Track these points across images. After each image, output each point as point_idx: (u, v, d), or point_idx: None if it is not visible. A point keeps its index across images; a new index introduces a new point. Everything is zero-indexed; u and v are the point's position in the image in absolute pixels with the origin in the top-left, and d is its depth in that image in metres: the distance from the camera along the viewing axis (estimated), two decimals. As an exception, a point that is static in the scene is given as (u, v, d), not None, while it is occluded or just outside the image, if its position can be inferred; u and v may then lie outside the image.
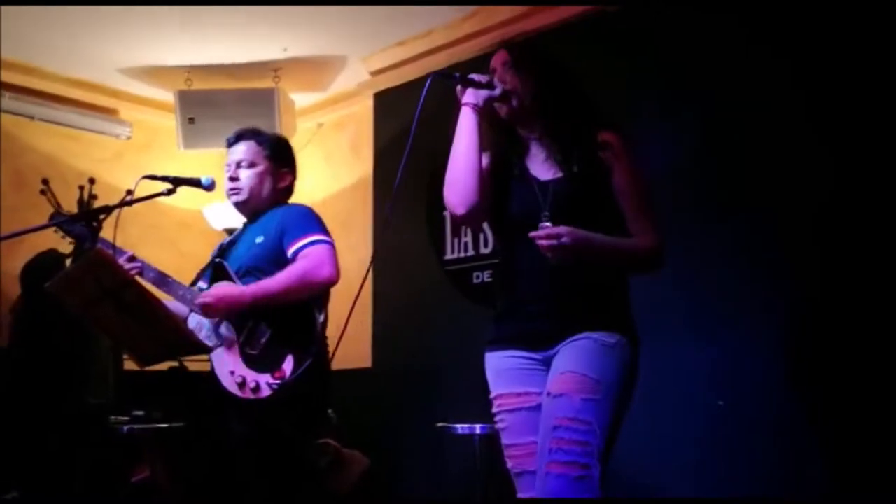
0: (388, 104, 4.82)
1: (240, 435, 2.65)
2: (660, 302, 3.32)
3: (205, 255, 5.19)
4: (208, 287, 2.75)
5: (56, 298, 2.40)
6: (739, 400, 3.15)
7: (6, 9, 4.13)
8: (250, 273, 2.71)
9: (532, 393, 2.00)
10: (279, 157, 2.90)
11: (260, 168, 2.85)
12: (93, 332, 3.74)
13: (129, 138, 5.26)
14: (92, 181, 4.05)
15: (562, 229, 1.88)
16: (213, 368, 2.70)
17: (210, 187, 2.71)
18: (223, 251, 2.88)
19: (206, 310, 2.64)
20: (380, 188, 4.84)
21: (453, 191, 2.07)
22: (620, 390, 1.93)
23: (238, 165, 2.85)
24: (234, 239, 2.92)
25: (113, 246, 2.73)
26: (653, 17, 3.65)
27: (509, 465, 2.03)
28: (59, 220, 2.78)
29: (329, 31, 4.52)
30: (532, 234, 1.91)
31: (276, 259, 2.68)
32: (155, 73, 4.98)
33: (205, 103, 4.89)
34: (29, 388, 3.82)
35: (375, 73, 4.90)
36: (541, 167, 2.11)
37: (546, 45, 2.27)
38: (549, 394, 1.92)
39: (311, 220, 2.75)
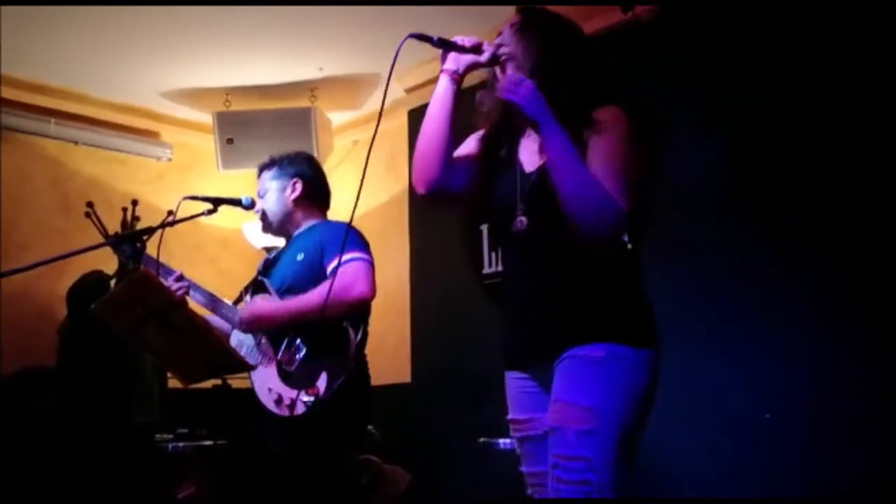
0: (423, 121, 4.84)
1: (278, 452, 2.68)
2: (690, 314, 3.31)
3: (244, 272, 5.27)
4: (250, 298, 2.82)
5: (101, 319, 2.44)
6: (773, 413, 3.10)
7: (51, 37, 4.24)
8: (291, 290, 2.74)
9: (534, 419, 1.81)
10: (284, 173, 2.95)
11: (269, 191, 2.94)
12: (138, 351, 3.80)
13: (170, 160, 5.35)
14: (135, 203, 4.11)
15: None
16: (252, 385, 2.74)
17: (249, 206, 2.77)
18: (267, 268, 2.93)
19: (243, 324, 2.69)
20: (415, 204, 4.86)
21: (416, 167, 1.86)
22: (622, 410, 1.66)
23: (260, 197, 2.97)
24: (277, 256, 2.97)
25: (159, 265, 2.80)
26: (682, 30, 3.64)
27: (527, 492, 1.88)
28: (105, 242, 2.84)
29: (363, 50, 4.56)
30: None
31: (316, 276, 2.71)
32: (194, 96, 5.07)
33: (243, 124, 4.96)
34: (76, 408, 3.88)
35: (410, 90, 4.93)
36: (530, 153, 1.85)
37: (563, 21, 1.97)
38: (548, 426, 1.72)
39: (349, 238, 2.77)
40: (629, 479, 1.67)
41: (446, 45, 1.85)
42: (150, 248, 2.79)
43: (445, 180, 1.85)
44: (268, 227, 2.96)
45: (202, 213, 2.64)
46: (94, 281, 4.06)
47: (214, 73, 4.80)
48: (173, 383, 3.70)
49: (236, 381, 3.81)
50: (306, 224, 2.91)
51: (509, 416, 1.89)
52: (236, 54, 4.55)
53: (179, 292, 2.73)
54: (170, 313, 2.37)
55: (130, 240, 2.77)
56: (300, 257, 2.79)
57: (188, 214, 2.64)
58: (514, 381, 1.87)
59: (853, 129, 3.08)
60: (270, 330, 2.73)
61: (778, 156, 3.26)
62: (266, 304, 2.70)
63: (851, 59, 3.11)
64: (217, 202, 2.65)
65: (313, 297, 2.61)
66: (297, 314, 2.62)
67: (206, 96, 5.05)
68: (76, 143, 4.96)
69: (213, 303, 2.81)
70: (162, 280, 2.77)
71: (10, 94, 4.67)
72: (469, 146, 1.96)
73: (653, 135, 1.84)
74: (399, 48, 1.80)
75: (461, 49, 1.84)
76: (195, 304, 2.81)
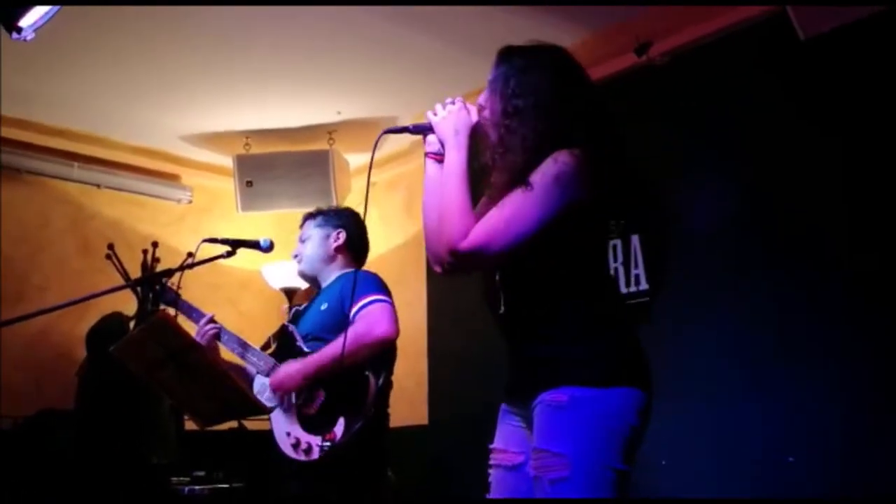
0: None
1: (293, 496, 2.68)
2: (710, 359, 3.29)
3: (263, 314, 5.32)
4: (276, 346, 2.89)
5: (120, 361, 2.46)
6: (799, 455, 3.06)
7: (74, 82, 4.33)
8: (316, 339, 2.80)
9: (510, 452, 1.83)
10: (328, 222, 3.04)
11: (312, 237, 3.02)
12: (156, 393, 3.81)
13: (190, 202, 5.41)
14: (155, 245, 4.15)
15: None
16: (272, 429, 2.76)
17: (268, 249, 2.78)
18: (296, 317, 3.00)
19: (280, 392, 2.74)
20: (433, 245, 4.86)
21: (427, 248, 1.89)
22: (594, 453, 1.60)
23: (301, 241, 3.04)
24: (306, 306, 3.05)
25: (191, 308, 2.89)
26: (697, 74, 3.68)
27: None
28: (125, 285, 2.86)
29: (381, 93, 4.62)
30: None
31: (340, 324, 2.72)
32: (214, 139, 5.15)
33: (262, 167, 5.02)
34: (94, 450, 3.88)
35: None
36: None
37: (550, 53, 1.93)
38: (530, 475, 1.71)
39: (368, 283, 2.81)
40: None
41: (421, 131, 1.89)
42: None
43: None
44: (303, 270, 3.02)
45: (221, 256, 2.67)
46: (113, 323, 4.08)
47: (234, 117, 4.87)
48: (190, 426, 3.70)
49: (253, 424, 3.80)
50: (336, 275, 2.97)
51: (493, 445, 1.90)
52: (256, 98, 4.62)
53: (210, 334, 2.80)
54: (188, 356, 2.38)
55: (150, 282, 2.80)
56: (324, 307, 2.86)
57: (207, 256, 2.67)
58: (506, 415, 1.89)
59: (875, 172, 3.08)
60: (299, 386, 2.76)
61: (797, 200, 3.27)
62: (291, 367, 2.74)
63: (873, 99, 3.12)
64: (236, 244, 2.67)
65: (337, 345, 2.60)
66: (323, 368, 2.65)
67: (225, 139, 5.12)
68: (98, 186, 5.03)
69: (243, 347, 2.86)
70: (191, 322, 2.85)
71: (34, 138, 4.77)
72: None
73: (611, 180, 1.76)
74: (376, 144, 1.96)
75: (424, 130, 1.88)
76: (224, 347, 2.87)
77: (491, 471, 1.88)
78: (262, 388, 2.82)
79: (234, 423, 3.92)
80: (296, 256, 3.04)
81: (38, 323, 4.37)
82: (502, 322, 1.85)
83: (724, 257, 3.44)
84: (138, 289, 3.98)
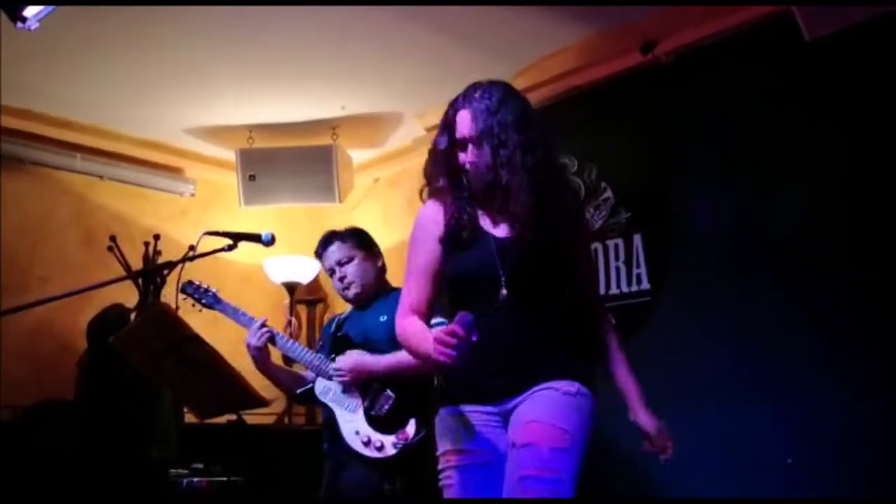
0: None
1: (356, 485, 2.84)
2: (711, 365, 3.29)
3: (265, 308, 5.31)
4: (328, 356, 2.99)
5: (120, 353, 2.46)
6: (806, 460, 3.06)
7: (78, 75, 4.33)
8: (368, 346, 2.93)
9: (478, 451, 1.99)
10: (367, 245, 3.14)
11: (358, 259, 3.08)
12: (156, 386, 3.81)
13: (192, 196, 5.40)
14: (157, 238, 4.16)
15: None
16: (334, 427, 2.90)
17: (269, 242, 2.78)
18: (340, 326, 3.09)
19: (343, 374, 2.87)
20: (435, 241, 4.86)
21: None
22: (584, 438, 1.93)
23: (340, 265, 3.07)
24: (349, 316, 3.13)
25: (241, 313, 2.99)
26: (703, 74, 3.67)
27: None
28: (127, 276, 2.87)
29: (385, 89, 4.62)
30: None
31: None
32: (218, 133, 5.14)
33: (265, 161, 5.01)
34: (94, 441, 3.88)
35: (431, 129, 4.97)
36: (494, 221, 2.07)
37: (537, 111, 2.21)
38: (514, 444, 1.91)
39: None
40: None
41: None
42: (171, 283, 2.82)
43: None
44: (359, 294, 3.07)
45: (222, 249, 2.66)
46: (114, 315, 4.08)
47: (238, 111, 4.87)
48: (189, 418, 3.71)
49: (252, 418, 3.81)
50: (385, 291, 3.09)
51: (447, 448, 2.02)
52: (260, 92, 4.62)
53: (264, 338, 2.89)
54: (187, 348, 2.39)
55: (151, 274, 2.81)
56: (383, 318, 2.95)
57: (209, 249, 2.67)
58: (477, 415, 2.02)
59: (881, 174, 3.07)
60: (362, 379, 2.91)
61: (801, 202, 3.26)
62: (365, 357, 2.89)
63: (879, 101, 3.12)
64: (237, 238, 2.67)
65: (406, 357, 2.68)
66: (396, 368, 2.80)
67: (229, 133, 5.12)
68: (101, 177, 5.03)
69: (295, 351, 2.98)
70: (240, 325, 2.96)
71: (38, 129, 4.76)
72: (430, 279, 2.17)
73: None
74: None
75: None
76: (277, 350, 2.99)
77: (448, 473, 2.01)
78: (325, 390, 2.95)
79: (231, 416, 3.94)
80: (343, 279, 3.06)
81: (39, 314, 4.37)
82: (501, 335, 1.98)
83: (726, 259, 3.44)
84: (140, 281, 3.99)
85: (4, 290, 4.37)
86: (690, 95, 3.69)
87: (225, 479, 4.06)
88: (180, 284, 2.96)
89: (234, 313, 2.98)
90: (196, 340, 2.45)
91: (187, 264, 2.62)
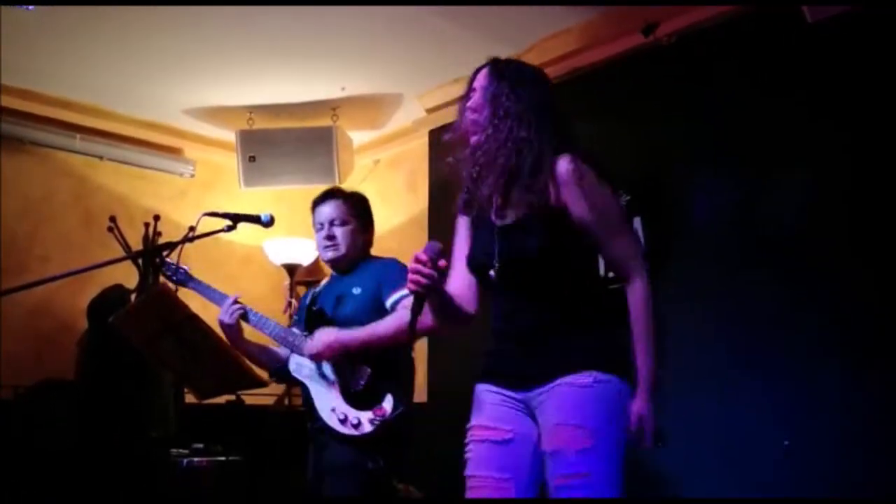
0: (444, 141, 4.87)
1: (337, 465, 2.75)
2: (709, 351, 3.29)
3: (265, 289, 5.33)
4: (303, 331, 2.90)
5: (120, 333, 2.47)
6: (803, 442, 3.06)
7: (78, 54, 4.32)
8: (348, 322, 2.83)
9: (501, 429, 1.97)
10: (364, 214, 3.06)
11: (352, 226, 2.99)
12: (156, 366, 3.83)
13: (192, 177, 5.40)
14: (157, 218, 4.16)
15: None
16: (311, 404, 2.82)
17: (269, 224, 2.78)
18: (315, 299, 3.00)
19: (316, 356, 2.78)
20: (435, 225, 4.87)
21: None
22: (612, 426, 1.86)
23: (331, 224, 2.99)
24: (323, 289, 3.04)
25: (214, 291, 2.90)
26: (706, 54, 3.65)
27: (467, 494, 1.99)
28: (126, 256, 2.87)
29: (385, 70, 4.60)
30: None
31: (374, 309, 2.81)
32: (218, 114, 5.13)
33: (265, 142, 5.01)
34: (94, 421, 3.90)
35: (431, 111, 4.96)
36: (498, 210, 2.02)
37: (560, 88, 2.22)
38: (545, 451, 1.89)
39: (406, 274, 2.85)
40: (622, 486, 1.85)
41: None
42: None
43: (469, 319, 2.13)
44: (340, 259, 2.98)
45: (222, 230, 2.66)
46: (114, 295, 4.09)
47: (238, 92, 4.85)
48: (190, 399, 3.72)
49: (250, 399, 3.82)
50: (364, 261, 3.02)
51: (474, 423, 2.01)
52: (260, 73, 4.60)
53: (236, 315, 2.82)
54: (186, 329, 2.39)
55: (151, 255, 2.80)
56: (357, 291, 2.89)
57: (208, 231, 2.67)
58: (496, 396, 2.01)
59: (883, 164, 3.06)
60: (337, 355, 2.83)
61: (802, 187, 3.24)
62: (339, 333, 2.78)
63: (881, 85, 3.10)
64: (237, 219, 2.67)
65: (380, 328, 2.73)
66: (369, 342, 2.73)
67: (229, 114, 5.10)
68: (101, 158, 5.03)
69: (272, 327, 2.89)
70: (212, 303, 2.88)
71: (37, 109, 4.75)
72: (461, 263, 2.13)
73: None
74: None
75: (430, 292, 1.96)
76: (250, 327, 2.90)
77: (470, 446, 2.01)
78: (298, 366, 2.88)
79: (231, 396, 3.97)
80: (331, 238, 2.98)
81: (39, 294, 4.39)
82: (510, 319, 2.01)
83: (727, 244, 3.42)
84: (139, 262, 3.99)
85: (4, 271, 4.38)
86: (692, 78, 3.68)
87: (224, 458, 4.09)
88: (129, 253, 2.89)
89: (205, 290, 2.91)
90: (195, 321, 2.46)
91: (187, 245, 2.62)
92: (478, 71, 2.10)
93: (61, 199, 4.92)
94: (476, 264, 2.06)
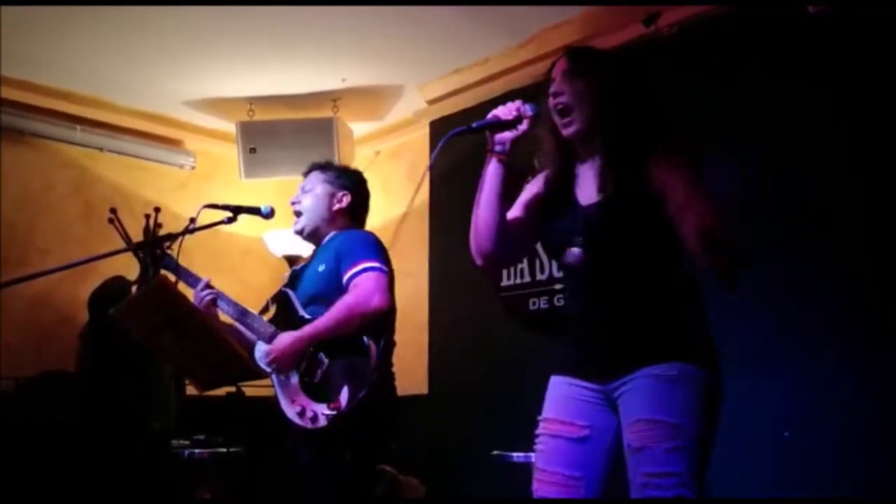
0: (444, 132, 4.83)
1: (301, 462, 2.67)
2: (727, 333, 3.26)
3: (265, 281, 5.33)
4: (275, 311, 2.83)
5: (120, 325, 2.46)
6: (808, 433, 3.06)
7: (78, 45, 4.30)
8: (314, 301, 2.74)
9: (577, 425, 1.89)
10: (336, 181, 2.93)
11: (317, 191, 2.90)
12: (157, 358, 3.83)
13: (193, 168, 5.40)
14: (157, 210, 4.14)
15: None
16: (276, 396, 2.73)
17: (269, 215, 2.77)
18: (293, 279, 2.92)
19: (276, 367, 2.68)
20: (436, 216, 4.86)
21: (472, 241, 1.99)
22: (702, 426, 1.77)
23: (303, 191, 2.93)
24: (303, 267, 2.95)
25: (187, 272, 2.82)
26: (707, 44, 3.63)
27: (533, 486, 1.93)
28: (127, 248, 2.86)
29: (386, 61, 4.59)
30: None
31: (337, 285, 2.69)
32: (218, 105, 5.12)
33: (265, 133, 5.00)
34: (95, 413, 3.91)
35: (432, 102, 4.94)
36: (587, 190, 1.96)
37: (614, 57, 2.13)
38: (629, 446, 1.80)
39: (365, 246, 2.75)
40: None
41: (486, 128, 1.95)
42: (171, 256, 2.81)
43: (501, 253, 2.00)
44: (303, 225, 2.89)
45: (222, 222, 2.66)
46: (115, 287, 4.09)
47: (238, 83, 4.84)
48: (190, 390, 3.73)
49: (251, 390, 3.82)
50: (332, 233, 2.89)
51: (548, 416, 1.95)
52: (260, 64, 4.59)
53: (207, 300, 2.74)
54: (186, 321, 2.39)
55: (152, 246, 2.80)
56: (321, 268, 2.78)
57: (209, 222, 2.66)
58: (573, 388, 1.93)
59: (888, 148, 3.03)
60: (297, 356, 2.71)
61: (807, 176, 3.23)
62: (287, 338, 2.67)
63: (884, 74, 3.08)
64: (237, 210, 2.66)
65: (330, 316, 2.61)
66: (317, 337, 2.62)
67: (229, 106, 5.09)
68: (101, 149, 5.02)
69: (240, 313, 2.79)
70: (189, 287, 2.81)
71: (37, 100, 4.74)
72: (522, 205, 2.06)
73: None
74: (441, 145, 1.96)
75: (500, 127, 1.94)
76: (222, 313, 2.82)
77: (542, 439, 1.94)
78: (262, 354, 2.76)
79: (231, 388, 3.97)
80: (295, 204, 2.90)
81: (39, 285, 4.36)
82: (590, 306, 1.93)
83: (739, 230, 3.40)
84: (140, 253, 3.98)
85: (4, 262, 4.38)
86: (693, 68, 3.66)
87: (225, 449, 4.10)
88: (130, 245, 2.84)
89: (185, 275, 2.83)
90: (195, 313, 2.46)
91: (187, 237, 2.62)
92: (575, 58, 2.03)
93: (61, 190, 4.91)
94: (555, 243, 1.99)
